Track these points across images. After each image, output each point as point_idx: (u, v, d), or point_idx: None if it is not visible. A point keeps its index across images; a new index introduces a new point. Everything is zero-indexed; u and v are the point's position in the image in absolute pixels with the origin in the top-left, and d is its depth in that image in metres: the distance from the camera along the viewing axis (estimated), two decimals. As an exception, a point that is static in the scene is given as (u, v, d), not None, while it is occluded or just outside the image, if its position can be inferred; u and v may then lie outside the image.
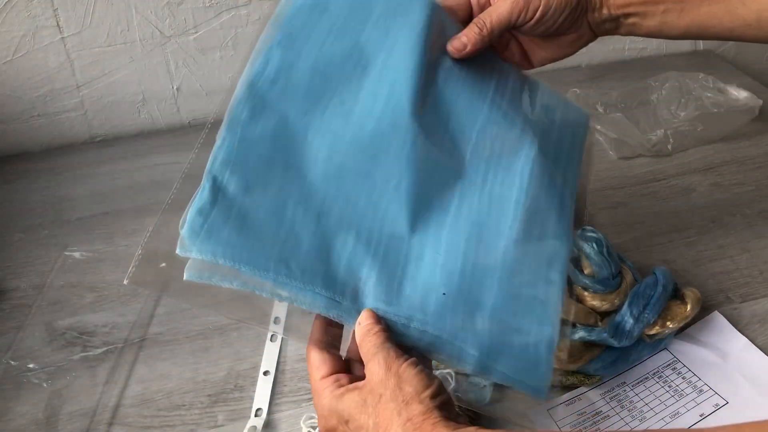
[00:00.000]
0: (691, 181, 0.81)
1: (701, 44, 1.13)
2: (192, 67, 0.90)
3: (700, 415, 0.54)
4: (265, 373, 0.58)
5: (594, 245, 0.60)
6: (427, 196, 0.45)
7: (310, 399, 0.56)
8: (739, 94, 0.89)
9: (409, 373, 0.40)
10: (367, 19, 0.49)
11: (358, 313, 0.42)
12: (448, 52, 0.51)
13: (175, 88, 0.91)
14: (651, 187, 0.80)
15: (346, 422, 0.40)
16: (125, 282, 0.42)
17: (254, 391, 0.57)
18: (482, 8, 0.54)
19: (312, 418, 0.54)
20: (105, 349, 0.60)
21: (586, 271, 0.60)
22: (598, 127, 0.87)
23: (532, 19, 0.52)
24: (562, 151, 0.51)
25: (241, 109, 0.44)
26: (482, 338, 0.43)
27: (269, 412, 0.55)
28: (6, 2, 0.78)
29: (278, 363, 0.59)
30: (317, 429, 0.53)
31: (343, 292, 0.42)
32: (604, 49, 1.06)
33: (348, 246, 0.43)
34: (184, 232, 0.40)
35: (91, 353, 0.60)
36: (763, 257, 0.69)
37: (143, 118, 0.92)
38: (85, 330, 0.62)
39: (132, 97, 0.90)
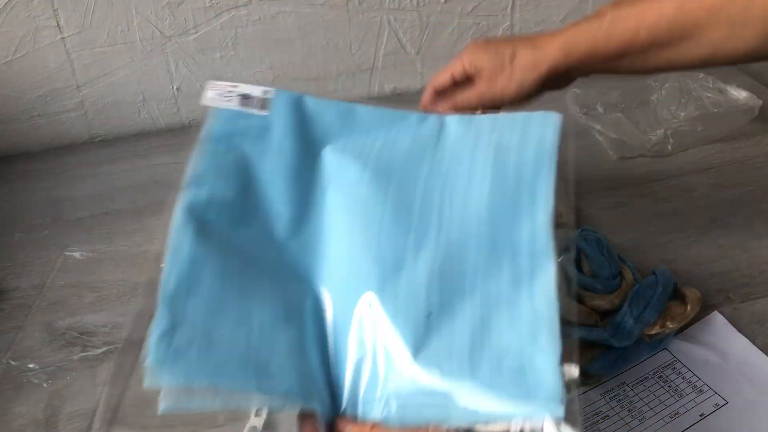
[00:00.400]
0: (691, 181, 0.81)
1: (701, 44, 1.13)
2: (192, 67, 0.90)
3: (700, 415, 0.54)
4: (265, 373, 0.58)
5: (594, 245, 0.60)
6: (371, 275, 0.45)
7: (310, 399, 0.56)
8: (739, 94, 0.89)
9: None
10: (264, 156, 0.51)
11: (336, 411, 0.42)
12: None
13: (175, 88, 0.91)
14: (651, 187, 0.80)
15: None
16: None
17: (254, 391, 0.57)
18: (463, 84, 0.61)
19: (312, 418, 0.54)
20: (105, 349, 0.60)
21: (586, 271, 0.60)
22: (598, 127, 0.88)
23: (499, 108, 0.60)
24: (523, 171, 0.48)
25: (183, 232, 0.45)
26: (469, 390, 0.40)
27: (269, 412, 0.55)
28: (6, 2, 0.78)
29: (278, 363, 0.59)
30: (317, 429, 0.53)
31: (327, 391, 0.42)
32: (604, 49, 1.06)
33: (318, 343, 0.44)
34: (149, 363, 0.38)
35: (91, 353, 0.60)
36: (763, 257, 0.69)
37: (143, 118, 0.92)
38: (85, 330, 0.62)
39: (132, 97, 0.90)
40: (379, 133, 0.52)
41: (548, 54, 0.58)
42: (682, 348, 0.59)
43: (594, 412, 0.55)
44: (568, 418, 0.37)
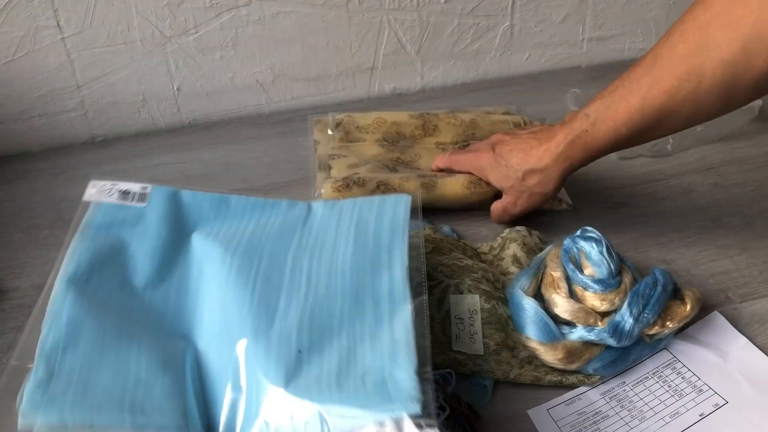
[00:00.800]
0: (691, 181, 0.81)
1: (701, 44, 1.13)
2: (192, 67, 0.90)
3: (700, 415, 0.54)
4: (265, 372, 0.58)
5: (594, 245, 0.60)
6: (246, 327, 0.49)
7: (310, 399, 0.56)
8: (739, 94, 0.89)
9: None
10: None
11: None
12: None
13: (175, 88, 0.91)
14: (651, 187, 0.80)
15: None
16: None
17: (254, 391, 0.56)
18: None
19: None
20: (105, 348, 0.60)
21: (586, 271, 0.60)
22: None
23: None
24: (381, 238, 0.55)
25: (62, 300, 0.49)
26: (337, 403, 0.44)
27: None
28: (6, 2, 0.78)
29: (278, 363, 0.59)
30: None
31: (202, 425, 0.46)
32: (604, 49, 1.06)
33: (196, 388, 0.48)
34: (23, 407, 0.42)
35: (91, 353, 0.60)
36: (762, 257, 0.69)
37: (143, 118, 0.92)
38: (85, 330, 0.62)
39: (132, 98, 0.90)
40: (252, 217, 0.58)
41: (552, 173, 0.65)
42: (682, 348, 0.60)
43: (594, 412, 0.55)
44: (425, 413, 0.42)
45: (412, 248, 0.55)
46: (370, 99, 0.99)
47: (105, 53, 0.85)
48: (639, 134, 0.61)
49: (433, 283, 0.61)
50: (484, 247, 0.70)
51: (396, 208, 0.58)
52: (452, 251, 0.66)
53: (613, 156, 0.85)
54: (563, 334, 0.57)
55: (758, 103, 0.88)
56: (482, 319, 0.58)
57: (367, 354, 0.46)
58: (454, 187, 0.73)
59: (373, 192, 0.71)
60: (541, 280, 0.61)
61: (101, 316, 0.49)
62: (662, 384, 0.57)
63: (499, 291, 0.62)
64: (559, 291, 0.59)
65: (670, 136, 0.85)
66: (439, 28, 0.96)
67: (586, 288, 0.59)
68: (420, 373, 0.44)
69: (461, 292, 0.60)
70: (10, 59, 0.83)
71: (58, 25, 0.82)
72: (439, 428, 0.41)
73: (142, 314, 0.51)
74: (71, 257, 0.53)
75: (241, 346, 0.48)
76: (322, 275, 0.52)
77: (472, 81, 1.02)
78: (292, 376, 0.45)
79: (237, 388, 0.47)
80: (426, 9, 0.94)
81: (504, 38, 1.00)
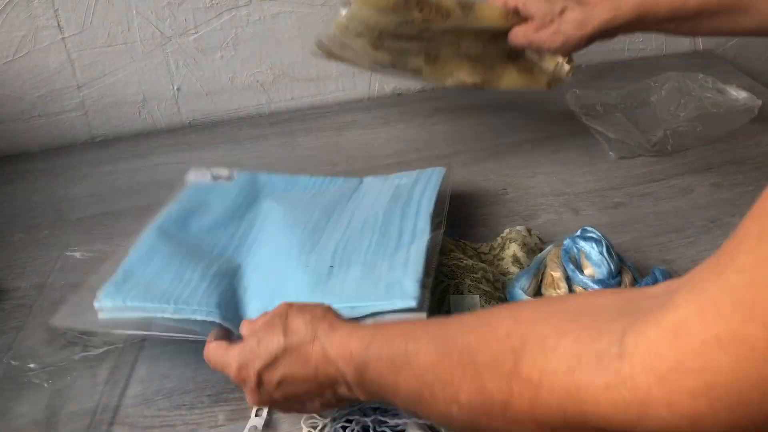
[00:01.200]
0: (691, 181, 0.81)
1: (701, 44, 1.13)
2: (192, 67, 0.90)
3: (700, 415, 0.54)
4: (266, 372, 0.58)
5: (594, 245, 0.60)
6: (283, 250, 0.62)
7: (310, 399, 0.56)
8: (739, 95, 0.89)
9: (305, 303, 0.49)
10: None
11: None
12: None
13: (175, 88, 0.91)
14: (651, 187, 0.80)
15: (258, 344, 0.46)
16: (50, 323, 0.57)
17: (254, 391, 0.57)
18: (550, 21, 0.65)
19: (313, 418, 0.54)
20: (105, 348, 0.60)
21: (586, 271, 0.60)
22: (598, 127, 0.88)
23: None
24: (413, 194, 0.68)
25: (149, 237, 0.63)
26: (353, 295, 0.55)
27: (270, 412, 0.55)
28: (7, 2, 0.78)
29: (278, 363, 0.59)
30: (317, 429, 0.53)
31: (235, 315, 0.57)
32: (604, 49, 1.06)
33: (237, 296, 0.59)
34: (101, 294, 0.55)
35: (91, 353, 0.60)
36: (762, 257, 0.69)
37: (143, 118, 0.92)
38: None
39: (132, 98, 0.90)
40: (314, 189, 0.73)
41: (595, 15, 0.60)
42: (681, 348, 0.59)
43: (594, 412, 0.55)
44: (418, 308, 0.52)
45: (439, 200, 0.66)
46: (370, 99, 0.99)
47: (105, 53, 0.85)
48: (705, 16, 0.56)
49: (434, 283, 0.61)
50: (484, 247, 0.70)
51: (432, 175, 0.71)
52: (452, 251, 0.66)
53: (613, 156, 0.85)
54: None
55: (757, 103, 0.88)
56: (482, 319, 0.58)
57: (384, 268, 0.57)
58: (492, 12, 0.70)
59: (407, 0, 0.66)
60: (541, 280, 0.61)
61: (174, 246, 0.62)
62: (662, 384, 0.57)
63: (499, 291, 0.62)
64: (559, 291, 0.59)
65: (670, 137, 0.85)
66: (439, 28, 0.96)
67: (586, 288, 0.59)
68: (423, 282, 0.54)
69: (461, 293, 0.60)
70: (10, 59, 0.83)
71: (59, 25, 0.82)
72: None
73: (209, 246, 0.64)
74: (164, 212, 0.68)
75: (283, 267, 0.60)
76: (360, 219, 0.65)
77: (472, 81, 1.02)
78: (320, 283, 0.57)
79: (272, 296, 0.58)
80: (426, 9, 0.94)
81: (504, 38, 1.00)
